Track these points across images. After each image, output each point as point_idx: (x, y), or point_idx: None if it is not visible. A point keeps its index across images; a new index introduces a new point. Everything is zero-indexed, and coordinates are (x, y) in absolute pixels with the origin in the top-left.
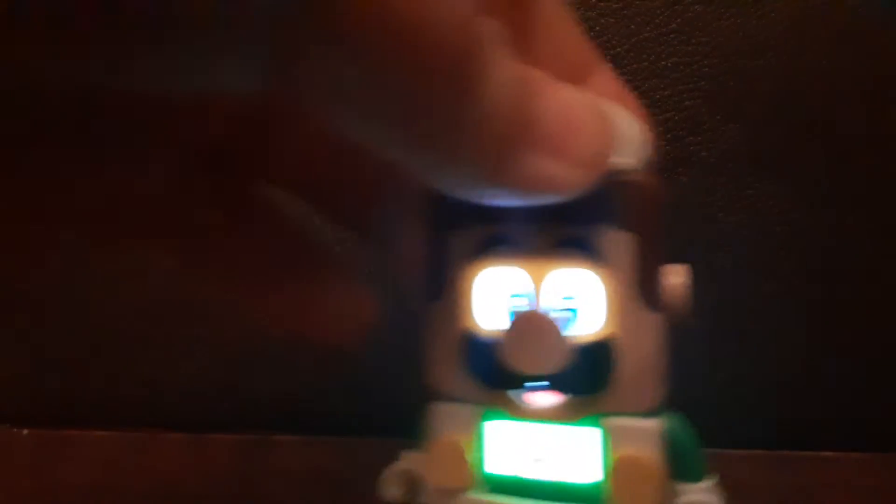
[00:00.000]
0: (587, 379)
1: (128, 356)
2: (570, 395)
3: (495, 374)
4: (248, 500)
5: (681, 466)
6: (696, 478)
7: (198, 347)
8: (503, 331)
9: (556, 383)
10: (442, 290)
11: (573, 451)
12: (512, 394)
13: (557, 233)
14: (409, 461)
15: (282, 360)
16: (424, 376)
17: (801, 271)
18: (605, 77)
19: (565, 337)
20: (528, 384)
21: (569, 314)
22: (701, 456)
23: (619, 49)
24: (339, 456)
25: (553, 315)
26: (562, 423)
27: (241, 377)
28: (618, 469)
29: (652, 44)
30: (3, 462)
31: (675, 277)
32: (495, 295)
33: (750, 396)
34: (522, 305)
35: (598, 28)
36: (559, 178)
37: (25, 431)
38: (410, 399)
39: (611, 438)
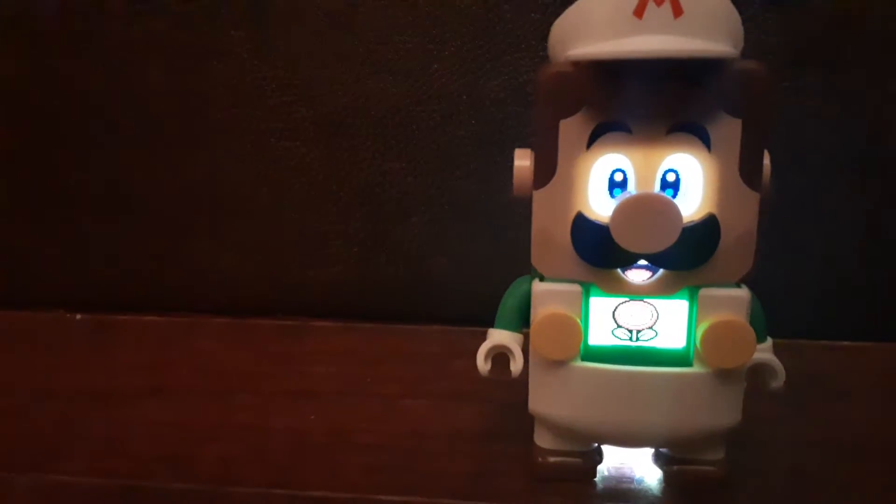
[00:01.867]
0: (691, 255)
1: (174, 247)
2: (671, 271)
3: (605, 253)
4: (286, 378)
5: (754, 329)
6: (762, 339)
7: (240, 239)
8: (615, 213)
9: (661, 260)
10: (553, 175)
11: (667, 320)
12: (615, 271)
13: (668, 119)
14: (498, 337)
15: (319, 250)
16: (532, 257)
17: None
18: None
19: (679, 217)
20: (636, 262)
21: (674, 195)
22: (765, 319)
23: None
24: (371, 339)
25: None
26: (658, 297)
27: (280, 266)
28: (714, 333)
29: None
30: (62, 343)
31: (765, 159)
32: (605, 179)
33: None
34: (632, 189)
35: None
36: None
37: (78, 316)
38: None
39: (705, 307)
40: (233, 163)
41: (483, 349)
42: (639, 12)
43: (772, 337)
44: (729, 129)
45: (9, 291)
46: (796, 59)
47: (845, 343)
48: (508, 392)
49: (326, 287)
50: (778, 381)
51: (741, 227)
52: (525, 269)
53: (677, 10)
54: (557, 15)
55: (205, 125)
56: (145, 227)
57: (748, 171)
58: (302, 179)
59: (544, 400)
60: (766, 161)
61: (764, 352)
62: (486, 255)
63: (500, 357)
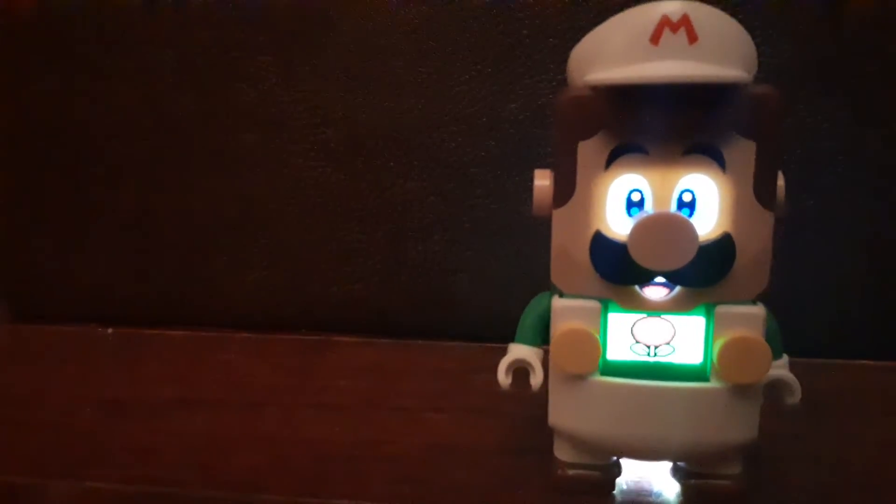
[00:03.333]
0: (707, 273)
1: (201, 264)
2: (687, 288)
3: (622, 270)
4: (310, 391)
5: (770, 345)
6: (778, 355)
7: (265, 256)
8: (633, 231)
9: (678, 278)
10: (572, 195)
11: (684, 336)
12: (632, 288)
13: (684, 141)
14: (518, 351)
15: (342, 268)
16: (552, 274)
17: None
18: None
19: (695, 235)
20: (653, 279)
21: (690, 214)
22: (781, 336)
23: None
24: (392, 354)
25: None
26: (675, 313)
27: (304, 283)
28: (730, 349)
29: None
30: (93, 357)
31: (779, 180)
32: (623, 198)
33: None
34: (650, 208)
35: None
36: None
37: (110, 330)
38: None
39: (721, 323)
40: (259, 182)
41: (504, 363)
42: (655, 39)
43: (790, 355)
44: (743, 151)
45: (44, 307)
46: (811, 80)
47: (863, 362)
48: (528, 406)
49: (348, 303)
50: (794, 398)
51: (756, 245)
52: (544, 286)
53: (692, 37)
54: (574, 40)
55: (233, 146)
56: (174, 246)
57: (762, 191)
58: (326, 199)
59: (564, 414)
60: (780, 181)
61: (780, 368)
62: (506, 273)
63: (520, 371)
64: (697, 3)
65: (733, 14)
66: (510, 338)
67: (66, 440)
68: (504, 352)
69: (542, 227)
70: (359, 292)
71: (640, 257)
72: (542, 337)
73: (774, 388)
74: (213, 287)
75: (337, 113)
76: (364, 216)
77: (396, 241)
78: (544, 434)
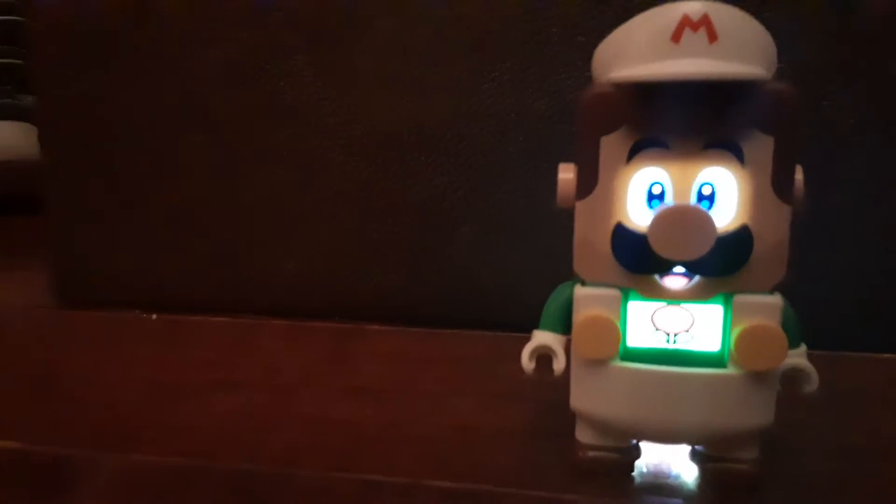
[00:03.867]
0: (725, 263)
1: (240, 254)
2: (705, 278)
3: (642, 260)
4: (343, 376)
5: (787, 334)
6: (795, 344)
7: (300, 248)
8: (653, 222)
9: (697, 267)
10: (595, 187)
11: (703, 324)
12: (652, 277)
13: (704, 136)
14: (542, 338)
15: (371, 260)
16: (574, 263)
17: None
18: None
19: (713, 226)
20: (672, 269)
21: (709, 207)
22: (799, 326)
23: None
24: (420, 343)
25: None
26: (694, 301)
27: (336, 273)
28: (747, 336)
29: None
30: (139, 341)
31: (798, 174)
32: (643, 191)
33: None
34: (670, 201)
35: None
36: None
37: (154, 316)
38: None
39: (739, 312)
40: (295, 177)
41: (528, 348)
42: (676, 38)
43: (810, 348)
44: (761, 146)
45: (93, 293)
46: (833, 77)
47: (884, 355)
48: (551, 392)
49: (380, 294)
50: (811, 385)
51: (774, 237)
52: (566, 277)
53: (712, 36)
54: (601, 38)
55: (271, 141)
56: (214, 237)
57: (780, 184)
58: (359, 192)
59: (585, 397)
60: (799, 175)
61: (798, 357)
62: (531, 265)
63: (544, 358)
64: (718, 3)
65: (756, 14)
66: (534, 327)
67: (114, 417)
68: (528, 340)
69: (566, 221)
70: (389, 283)
71: (660, 247)
72: (564, 324)
73: (792, 377)
74: (251, 276)
75: (367, 110)
76: (395, 210)
77: (426, 233)
78: (566, 418)
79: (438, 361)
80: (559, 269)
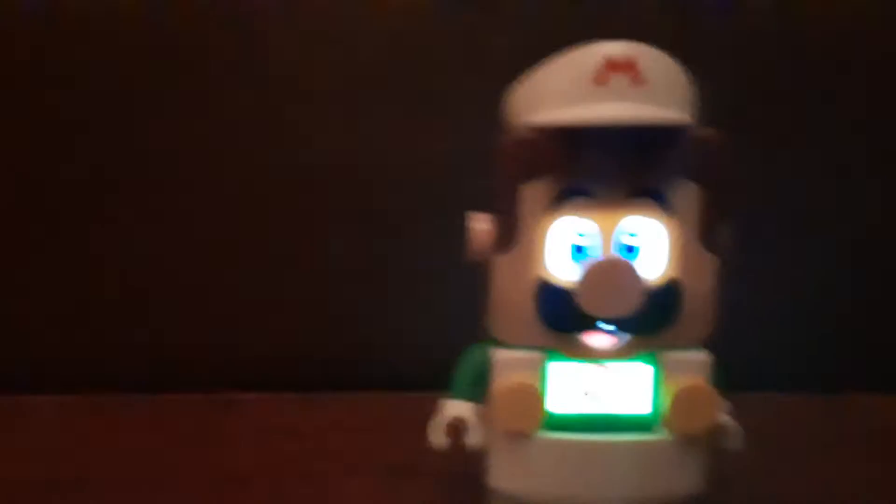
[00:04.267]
0: (655, 319)
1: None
2: (633, 335)
3: (567, 318)
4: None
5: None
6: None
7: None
8: (579, 277)
9: (626, 325)
10: (514, 240)
11: (629, 385)
12: (577, 336)
13: (629, 184)
14: (455, 408)
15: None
16: (489, 324)
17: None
18: None
19: (643, 281)
20: (600, 326)
21: (633, 259)
22: (724, 382)
23: None
24: (310, 412)
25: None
26: (619, 360)
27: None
28: (679, 398)
29: None
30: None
31: (725, 224)
32: (567, 244)
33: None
34: (594, 254)
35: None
36: None
37: None
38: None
39: (667, 371)
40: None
41: (440, 422)
42: (599, 80)
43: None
44: (687, 195)
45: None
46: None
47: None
48: (454, 463)
49: (260, 358)
50: (737, 443)
51: (701, 290)
52: (465, 332)
53: (636, 79)
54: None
55: None
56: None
57: (707, 235)
58: (237, 249)
59: (505, 474)
60: (727, 226)
61: (722, 414)
62: (427, 320)
63: (450, 427)
64: (641, 45)
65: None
66: (437, 387)
67: None
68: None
69: (469, 275)
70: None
71: (588, 304)
72: (479, 391)
73: (718, 435)
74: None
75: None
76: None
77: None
78: (474, 493)
79: (324, 432)
80: (458, 324)
